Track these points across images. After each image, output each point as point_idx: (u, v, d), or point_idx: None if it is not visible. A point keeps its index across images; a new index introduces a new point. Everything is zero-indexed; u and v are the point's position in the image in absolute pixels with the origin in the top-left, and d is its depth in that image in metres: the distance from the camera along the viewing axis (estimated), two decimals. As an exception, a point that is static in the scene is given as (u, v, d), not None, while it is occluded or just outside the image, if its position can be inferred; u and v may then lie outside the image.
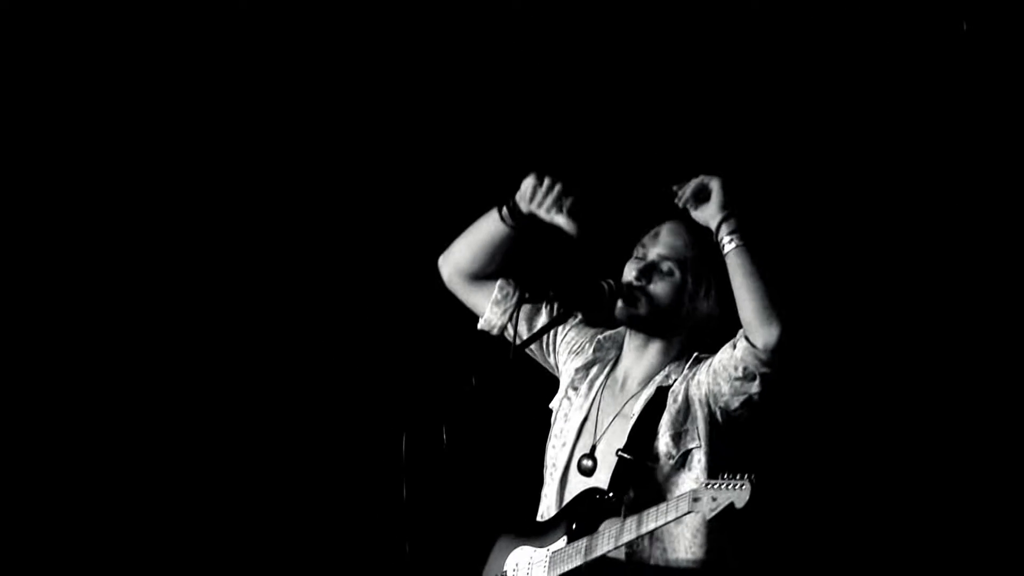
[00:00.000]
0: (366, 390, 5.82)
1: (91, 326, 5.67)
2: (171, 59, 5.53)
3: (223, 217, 5.70)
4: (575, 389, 4.56)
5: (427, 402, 4.20)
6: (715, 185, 4.24)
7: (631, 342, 4.53)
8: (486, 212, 4.54)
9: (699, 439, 4.32)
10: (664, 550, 4.28)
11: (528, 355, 4.67)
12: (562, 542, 4.34)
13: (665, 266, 4.43)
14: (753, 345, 4.19)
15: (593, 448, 4.43)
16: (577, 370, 4.60)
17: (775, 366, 4.19)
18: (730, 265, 4.21)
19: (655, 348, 4.50)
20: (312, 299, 5.76)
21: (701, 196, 4.27)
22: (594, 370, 4.59)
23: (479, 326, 4.69)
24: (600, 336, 4.66)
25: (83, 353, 5.68)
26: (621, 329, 4.65)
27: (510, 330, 4.58)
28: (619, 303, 4.41)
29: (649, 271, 4.43)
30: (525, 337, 4.50)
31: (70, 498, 5.70)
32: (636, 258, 4.47)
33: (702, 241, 4.40)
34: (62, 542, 5.70)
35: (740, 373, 4.24)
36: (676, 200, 4.28)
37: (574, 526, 4.34)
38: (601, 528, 4.24)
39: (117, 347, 5.69)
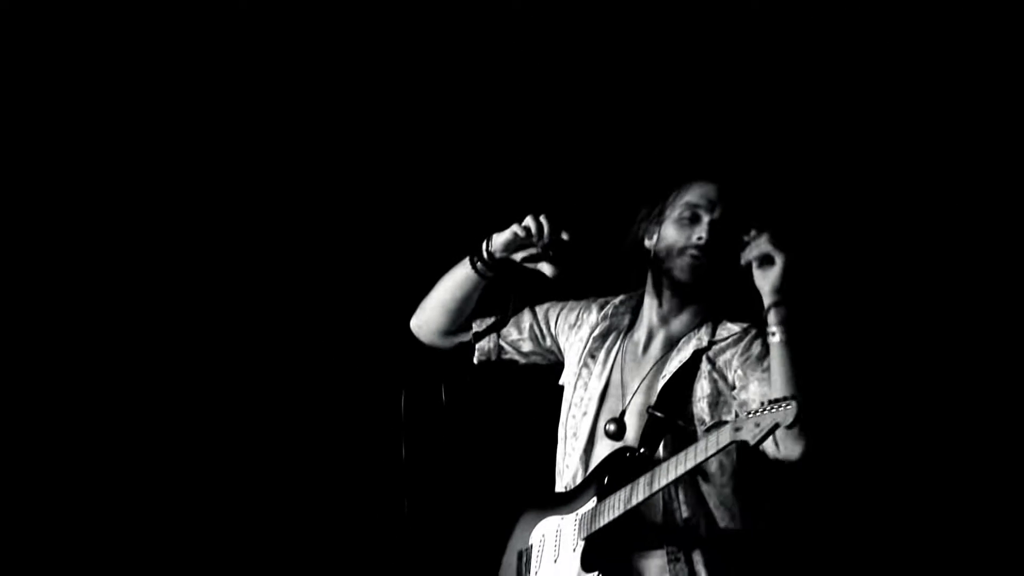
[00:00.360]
0: (363, 348, 5.74)
1: (74, 319, 5.67)
2: (171, 59, 5.52)
3: (208, 200, 5.72)
4: (593, 357, 4.44)
5: (426, 361, 4.30)
6: (779, 261, 4.10)
7: (659, 306, 4.38)
8: (449, 269, 4.48)
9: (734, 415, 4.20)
10: (697, 501, 4.19)
11: (525, 362, 4.61)
12: (592, 503, 4.22)
13: (726, 226, 4.32)
14: (776, 446, 4.10)
15: (623, 413, 4.31)
16: (594, 339, 4.47)
17: (800, 464, 4.10)
18: (772, 355, 4.10)
19: (688, 312, 4.39)
20: (307, 258, 5.73)
21: (765, 261, 4.14)
22: (611, 337, 4.50)
23: (475, 360, 4.63)
24: (613, 302, 4.56)
25: (67, 346, 5.67)
26: (633, 295, 4.56)
27: (506, 341, 4.58)
28: (688, 263, 4.27)
29: (716, 233, 4.29)
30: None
31: (62, 495, 5.71)
32: (684, 218, 4.31)
33: (732, 203, 4.31)
34: (57, 540, 5.71)
35: (769, 451, 4.13)
36: (741, 252, 4.18)
37: (605, 483, 4.22)
38: (639, 478, 4.10)
39: (97, 334, 5.69)
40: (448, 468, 5.33)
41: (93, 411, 5.63)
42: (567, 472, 4.37)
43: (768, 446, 4.03)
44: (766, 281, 4.08)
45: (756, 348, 4.25)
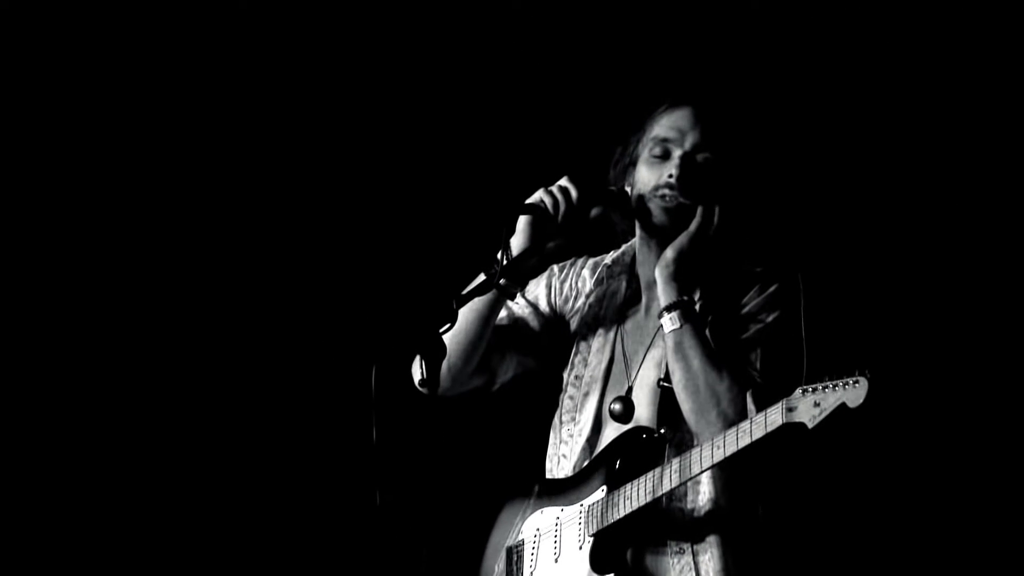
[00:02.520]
0: (331, 318, 5.68)
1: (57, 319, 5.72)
2: (171, 59, 5.57)
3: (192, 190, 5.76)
4: (591, 329, 4.10)
5: (400, 331, 3.90)
6: (696, 223, 3.84)
7: (655, 258, 3.97)
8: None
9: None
10: (705, 490, 3.83)
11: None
12: (600, 493, 3.85)
13: (700, 157, 3.93)
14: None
15: (629, 390, 3.95)
16: (589, 307, 4.13)
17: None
18: (668, 352, 3.77)
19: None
20: (277, 229, 5.75)
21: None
22: (608, 304, 4.12)
23: (496, 387, 4.21)
24: (605, 262, 4.17)
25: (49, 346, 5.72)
26: (626, 249, 4.15)
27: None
28: (661, 205, 3.90)
29: (689, 168, 3.91)
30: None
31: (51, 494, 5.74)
32: (654, 156, 3.96)
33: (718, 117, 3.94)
34: (49, 538, 5.73)
35: None
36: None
37: (617, 472, 3.84)
38: (665, 465, 3.72)
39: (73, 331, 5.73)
40: (425, 453, 5.10)
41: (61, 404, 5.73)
42: (565, 461, 4.03)
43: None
44: (669, 248, 3.81)
45: (757, 301, 3.89)
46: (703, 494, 3.83)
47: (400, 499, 3.89)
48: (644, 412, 3.91)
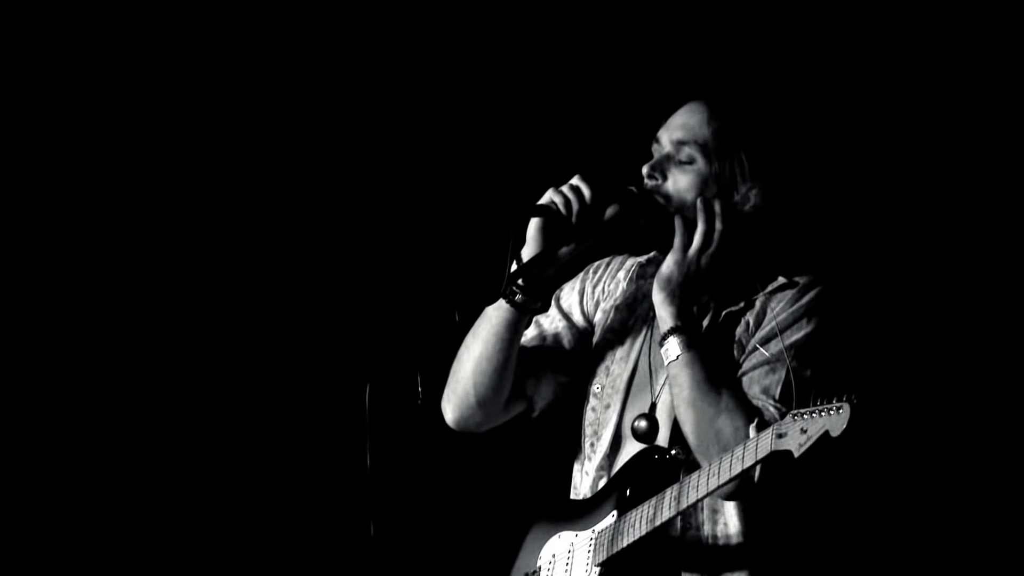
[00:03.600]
0: (324, 332, 5.56)
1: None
2: (171, 59, 5.55)
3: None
4: (615, 334, 3.88)
5: (397, 345, 3.76)
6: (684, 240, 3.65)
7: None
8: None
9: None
10: (725, 524, 3.66)
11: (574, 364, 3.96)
12: (610, 519, 3.68)
13: (683, 153, 3.72)
14: None
15: (653, 407, 3.75)
16: (617, 310, 3.90)
17: None
18: (671, 379, 3.63)
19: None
20: (272, 239, 5.67)
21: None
22: (637, 308, 3.89)
23: (536, 412, 3.98)
24: (639, 261, 3.95)
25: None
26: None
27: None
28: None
29: (662, 165, 3.73)
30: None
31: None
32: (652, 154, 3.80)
33: (727, 115, 3.73)
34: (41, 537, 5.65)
35: None
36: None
37: (628, 496, 3.68)
38: (665, 492, 3.60)
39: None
40: (426, 481, 4.60)
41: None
42: (585, 480, 3.86)
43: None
44: (662, 266, 3.68)
45: (789, 311, 3.66)
46: (724, 522, 3.65)
47: (400, 529, 3.89)
48: (667, 432, 3.71)
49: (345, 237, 5.57)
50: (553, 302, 3.90)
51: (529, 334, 3.89)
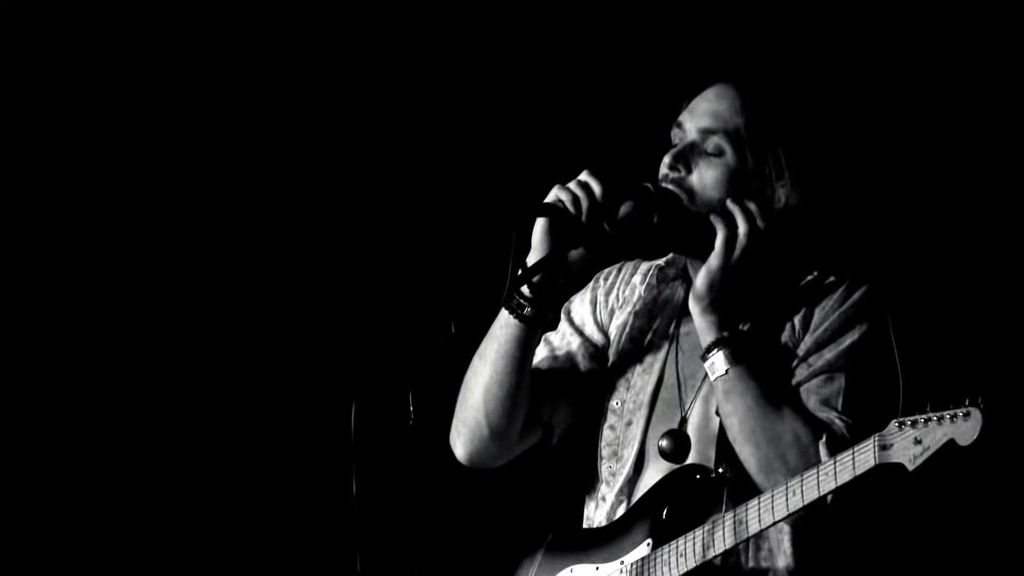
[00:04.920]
0: (307, 344, 5.47)
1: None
2: (171, 59, 5.52)
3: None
4: (636, 343, 3.63)
5: (386, 359, 3.86)
6: (723, 236, 3.38)
7: (696, 266, 3.52)
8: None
9: None
10: (770, 552, 3.41)
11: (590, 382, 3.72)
12: (644, 548, 3.42)
13: (710, 144, 3.46)
14: None
15: (683, 422, 3.49)
16: (636, 316, 3.65)
17: None
18: (717, 394, 3.40)
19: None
20: (256, 253, 5.60)
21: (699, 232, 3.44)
22: (659, 315, 3.65)
23: (556, 438, 3.74)
24: (658, 264, 3.70)
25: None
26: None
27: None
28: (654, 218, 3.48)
29: (686, 155, 3.46)
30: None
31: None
32: (672, 146, 3.54)
33: (761, 103, 3.48)
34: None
35: None
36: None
37: (664, 522, 3.41)
38: (718, 516, 3.34)
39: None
40: (417, 510, 4.47)
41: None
42: (601, 507, 3.60)
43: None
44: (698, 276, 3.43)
45: (836, 316, 3.43)
46: (768, 549, 3.40)
47: (388, 563, 3.72)
48: (698, 451, 3.45)
49: (331, 239, 5.53)
50: (563, 316, 3.69)
51: (540, 354, 3.67)
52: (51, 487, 5.60)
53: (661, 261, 3.68)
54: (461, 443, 3.63)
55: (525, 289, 3.49)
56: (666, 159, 3.45)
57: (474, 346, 3.69)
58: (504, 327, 3.52)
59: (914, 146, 4.90)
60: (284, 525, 5.51)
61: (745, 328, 3.45)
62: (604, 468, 3.58)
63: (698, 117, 3.46)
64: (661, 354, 3.59)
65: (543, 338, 3.68)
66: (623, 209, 3.43)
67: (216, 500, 5.56)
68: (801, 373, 3.39)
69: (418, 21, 5.45)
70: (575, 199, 3.41)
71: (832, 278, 3.46)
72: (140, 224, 5.64)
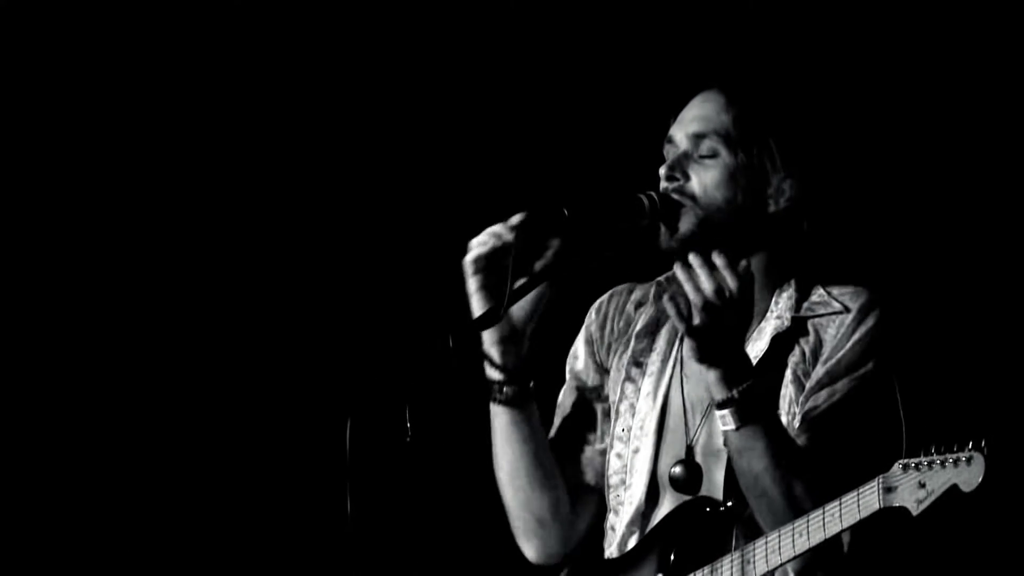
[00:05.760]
0: (300, 358, 5.40)
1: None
2: (171, 59, 5.52)
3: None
4: (639, 365, 3.52)
5: (382, 375, 3.51)
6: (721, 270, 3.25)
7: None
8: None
9: None
10: None
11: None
12: None
13: (703, 147, 3.39)
14: None
15: (690, 450, 3.39)
16: (637, 337, 3.54)
17: None
18: (729, 447, 3.29)
19: (760, 276, 3.37)
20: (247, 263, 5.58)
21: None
22: (662, 332, 3.54)
23: (593, 481, 3.63)
24: (656, 281, 3.60)
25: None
26: None
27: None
28: (661, 229, 3.38)
29: (681, 163, 3.40)
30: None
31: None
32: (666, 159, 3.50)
33: (747, 100, 3.40)
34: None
35: None
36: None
37: (674, 560, 3.33)
38: (724, 558, 3.27)
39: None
40: (417, 529, 4.59)
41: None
42: (612, 536, 3.52)
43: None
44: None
45: (848, 346, 3.33)
46: None
47: None
48: (713, 479, 3.37)
49: (325, 251, 5.48)
50: (568, 373, 3.61)
51: (557, 420, 3.61)
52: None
53: (661, 278, 3.60)
54: (525, 546, 3.58)
55: (494, 373, 3.44)
56: (662, 171, 3.38)
57: (472, 358, 3.58)
58: (496, 417, 3.48)
59: (905, 140, 4.80)
60: (278, 544, 5.46)
61: (751, 345, 3.36)
62: (612, 497, 3.51)
63: (687, 124, 3.40)
64: (665, 378, 3.50)
65: (558, 404, 3.62)
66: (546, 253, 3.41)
67: (208, 518, 5.51)
68: (810, 404, 3.31)
69: (417, 27, 5.43)
70: (500, 240, 3.39)
71: (831, 294, 3.39)
72: (133, 234, 5.62)
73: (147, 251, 5.62)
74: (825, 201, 3.47)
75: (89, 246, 5.65)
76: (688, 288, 3.17)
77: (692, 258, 3.23)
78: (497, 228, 3.41)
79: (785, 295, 3.41)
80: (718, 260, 3.23)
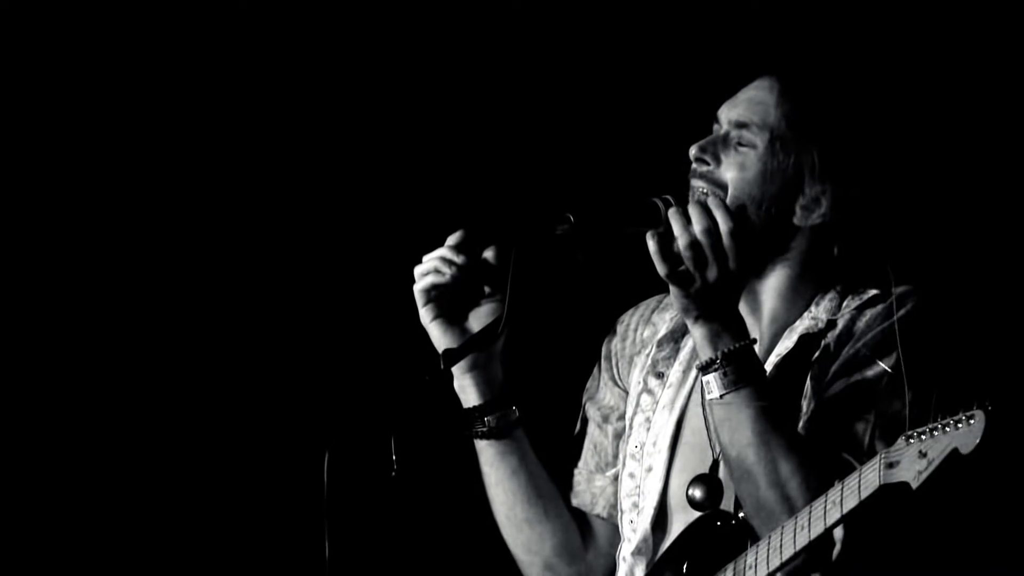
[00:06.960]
0: (277, 387, 5.31)
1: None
2: (170, 59, 5.50)
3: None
4: (658, 376, 3.35)
5: (363, 406, 3.38)
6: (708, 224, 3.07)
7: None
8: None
9: None
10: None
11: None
12: None
13: (743, 136, 3.24)
14: None
15: (714, 466, 3.18)
16: (659, 345, 3.38)
17: None
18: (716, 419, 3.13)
19: (772, 282, 3.22)
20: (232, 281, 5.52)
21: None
22: (688, 340, 3.35)
23: (604, 512, 3.50)
24: None
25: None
26: None
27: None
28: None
29: (715, 147, 3.24)
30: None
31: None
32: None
33: (803, 97, 3.23)
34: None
35: None
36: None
37: (685, 572, 3.18)
38: (728, 566, 3.12)
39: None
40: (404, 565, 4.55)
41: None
42: (623, 566, 3.32)
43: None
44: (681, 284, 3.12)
45: (877, 328, 3.16)
46: None
47: None
48: (734, 497, 3.21)
49: (305, 277, 5.39)
50: (590, 406, 3.47)
51: (587, 452, 3.46)
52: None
53: None
54: (527, 568, 3.47)
55: (470, 403, 3.33)
56: (692, 150, 3.22)
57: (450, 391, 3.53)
58: (481, 453, 3.37)
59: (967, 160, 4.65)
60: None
61: (774, 353, 3.20)
62: (625, 524, 3.34)
63: (734, 109, 3.24)
64: (685, 388, 3.33)
65: (587, 436, 3.47)
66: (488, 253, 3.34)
67: (185, 552, 5.37)
68: (832, 389, 3.13)
69: (419, 28, 5.36)
70: (443, 273, 3.30)
71: (877, 292, 3.20)
72: (126, 247, 5.54)
73: (138, 261, 5.52)
74: (864, 227, 3.29)
75: (76, 256, 5.55)
76: (676, 227, 3.02)
77: (675, 213, 3.10)
78: (438, 252, 3.30)
79: (827, 298, 3.23)
80: (712, 201, 3.11)
